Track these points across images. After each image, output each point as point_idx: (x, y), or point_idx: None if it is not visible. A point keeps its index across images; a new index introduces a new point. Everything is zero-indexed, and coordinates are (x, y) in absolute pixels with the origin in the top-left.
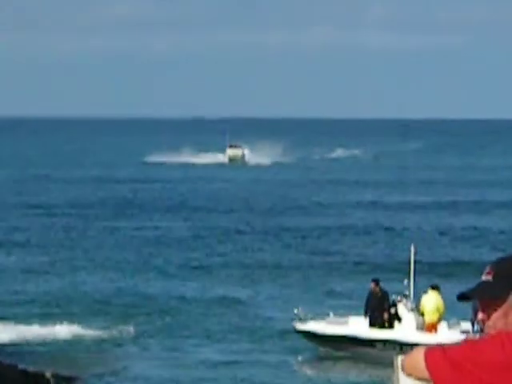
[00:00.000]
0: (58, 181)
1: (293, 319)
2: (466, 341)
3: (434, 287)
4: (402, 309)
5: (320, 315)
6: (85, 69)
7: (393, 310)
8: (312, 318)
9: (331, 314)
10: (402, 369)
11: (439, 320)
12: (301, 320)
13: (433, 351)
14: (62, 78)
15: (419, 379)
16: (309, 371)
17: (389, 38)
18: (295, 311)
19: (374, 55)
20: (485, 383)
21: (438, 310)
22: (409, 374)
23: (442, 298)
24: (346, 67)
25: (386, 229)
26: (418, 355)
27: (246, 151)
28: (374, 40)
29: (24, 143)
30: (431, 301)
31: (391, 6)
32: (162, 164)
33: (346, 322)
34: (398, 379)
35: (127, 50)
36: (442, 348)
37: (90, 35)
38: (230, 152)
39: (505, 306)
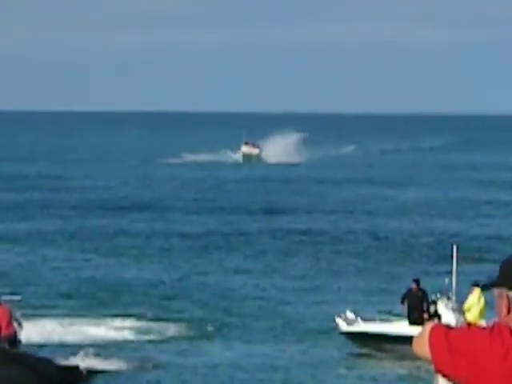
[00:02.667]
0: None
1: (337, 320)
2: (470, 327)
3: (476, 284)
4: (441, 307)
5: (365, 315)
6: (108, 65)
7: (432, 309)
8: (357, 319)
9: (376, 315)
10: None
11: (480, 318)
12: (345, 320)
13: (438, 329)
14: (79, 75)
15: (423, 358)
16: (352, 371)
17: (420, 33)
18: (340, 312)
19: (404, 50)
20: (468, 371)
21: (479, 307)
22: (415, 352)
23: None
24: (377, 62)
25: (427, 227)
26: (426, 330)
27: (263, 149)
28: (404, 35)
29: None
30: (472, 298)
31: (423, 1)
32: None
33: (390, 322)
34: (437, 380)
35: (152, 45)
36: (447, 328)
37: (114, 31)
38: (246, 150)
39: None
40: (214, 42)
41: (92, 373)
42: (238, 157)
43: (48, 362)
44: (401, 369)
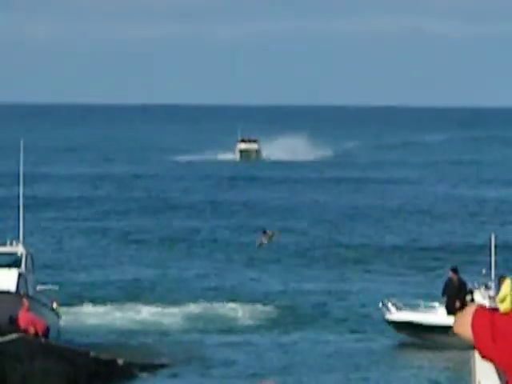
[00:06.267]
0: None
1: (382, 309)
2: None
3: (503, 276)
4: (478, 297)
5: (410, 305)
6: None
7: (468, 298)
8: (402, 308)
9: (422, 304)
10: (453, 327)
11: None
12: (391, 310)
13: (482, 311)
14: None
15: (464, 338)
16: (395, 360)
17: (449, 26)
18: (385, 301)
19: (432, 43)
20: (509, 356)
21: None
22: (456, 332)
23: None
24: (404, 54)
25: (463, 219)
26: (469, 311)
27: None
28: (433, 27)
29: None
30: (504, 289)
31: None
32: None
33: (435, 311)
34: (474, 372)
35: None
36: (492, 311)
37: (143, 21)
38: (243, 146)
39: None
40: (210, 35)
41: (131, 366)
42: (235, 154)
43: (84, 354)
44: (440, 358)
